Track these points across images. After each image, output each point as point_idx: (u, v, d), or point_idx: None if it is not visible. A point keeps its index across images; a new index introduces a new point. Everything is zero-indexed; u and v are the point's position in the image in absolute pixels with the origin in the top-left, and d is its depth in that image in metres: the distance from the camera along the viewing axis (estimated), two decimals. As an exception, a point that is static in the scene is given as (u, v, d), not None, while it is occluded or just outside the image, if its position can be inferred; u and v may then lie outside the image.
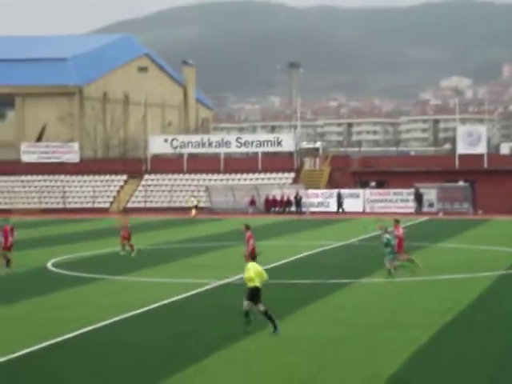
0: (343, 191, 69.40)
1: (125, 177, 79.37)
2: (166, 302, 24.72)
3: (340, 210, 67.83)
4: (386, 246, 28.67)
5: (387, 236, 28.73)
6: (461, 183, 69.49)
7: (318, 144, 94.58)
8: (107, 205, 76.67)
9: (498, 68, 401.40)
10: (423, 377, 15.96)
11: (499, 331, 20.08)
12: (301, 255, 36.79)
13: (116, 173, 79.68)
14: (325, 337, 19.53)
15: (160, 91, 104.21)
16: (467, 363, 16.94)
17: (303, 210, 69.00)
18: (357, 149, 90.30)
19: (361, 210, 68.84)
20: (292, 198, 69.79)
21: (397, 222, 30.95)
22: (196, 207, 68.14)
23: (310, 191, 70.67)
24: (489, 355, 17.59)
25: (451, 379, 15.78)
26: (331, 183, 73.56)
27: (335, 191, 69.57)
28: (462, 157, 72.78)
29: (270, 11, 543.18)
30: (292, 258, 35.70)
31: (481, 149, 72.67)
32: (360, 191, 70.51)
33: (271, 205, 70.55)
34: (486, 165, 72.12)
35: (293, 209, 69.54)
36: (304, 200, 69.56)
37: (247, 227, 29.63)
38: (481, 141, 72.83)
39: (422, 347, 18.39)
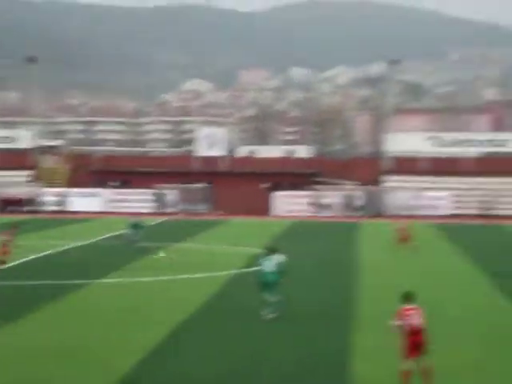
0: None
1: None
2: None
3: None
4: None
5: None
6: (200, 184, 71.05)
7: (58, 142, 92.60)
8: None
9: (236, 73, 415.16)
10: (156, 376, 16.13)
11: (232, 327, 20.77)
12: (38, 255, 35.79)
13: None
14: (60, 339, 19.18)
15: None
16: (202, 360, 17.34)
17: (40, 208, 67.27)
18: (98, 148, 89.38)
19: (101, 209, 68.30)
20: (29, 197, 67.80)
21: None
22: None
23: (48, 190, 69.07)
24: (223, 351, 18.14)
25: (187, 376, 16.06)
26: (71, 182, 72.36)
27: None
28: (202, 159, 74.50)
29: (4, 4, 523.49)
30: (27, 259, 34.61)
31: (220, 151, 74.77)
32: (100, 191, 69.96)
33: (8, 203, 68.07)
34: (224, 167, 74.31)
35: (30, 207, 67.57)
36: (42, 199, 67.86)
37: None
38: (220, 143, 74.95)
39: (158, 346, 18.59)
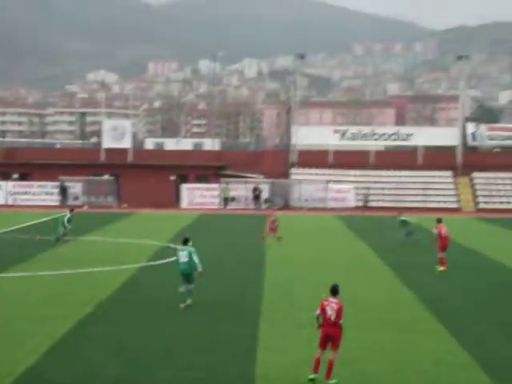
0: None
1: None
2: None
3: None
4: None
5: None
6: (106, 177, 70.14)
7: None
8: None
9: (143, 65, 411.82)
10: (58, 370, 15.80)
11: (138, 319, 20.54)
12: None
13: None
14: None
15: None
16: (107, 353, 17.07)
17: None
18: (0, 139, 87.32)
19: (3, 202, 66.67)
20: None
21: None
22: None
23: None
24: (128, 343, 17.94)
25: (87, 372, 15.79)
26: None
27: None
28: (108, 151, 73.58)
29: None
30: None
31: (126, 143, 73.98)
32: (2, 183, 68.30)
33: None
34: (130, 159, 73.56)
35: None
36: None
37: None
38: (126, 135, 74.15)
39: (60, 340, 18.25)
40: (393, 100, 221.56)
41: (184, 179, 70.42)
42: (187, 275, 22.40)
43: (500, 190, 69.61)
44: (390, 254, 35.72)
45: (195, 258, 22.31)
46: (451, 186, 70.44)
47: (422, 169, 71.94)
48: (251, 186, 67.62)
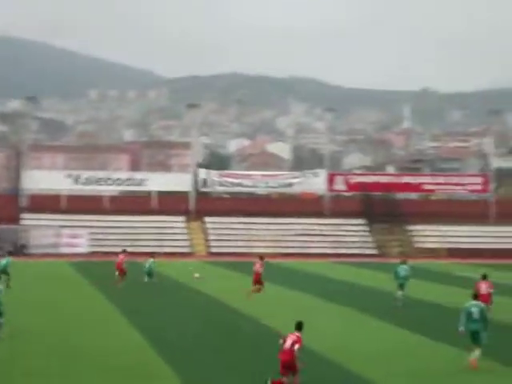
0: None
1: None
2: None
3: None
4: None
5: None
6: None
7: None
8: None
9: None
10: None
11: None
12: None
13: None
14: None
15: None
16: None
17: None
18: None
19: None
20: None
21: None
22: None
23: None
24: None
25: None
26: None
27: None
28: None
29: None
30: None
31: None
32: None
33: None
34: None
35: None
36: None
37: None
38: None
39: None
40: (127, 146, 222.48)
41: None
42: None
43: (230, 234, 72.02)
44: (124, 299, 35.59)
45: None
46: (184, 231, 71.81)
47: (156, 213, 72.76)
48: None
